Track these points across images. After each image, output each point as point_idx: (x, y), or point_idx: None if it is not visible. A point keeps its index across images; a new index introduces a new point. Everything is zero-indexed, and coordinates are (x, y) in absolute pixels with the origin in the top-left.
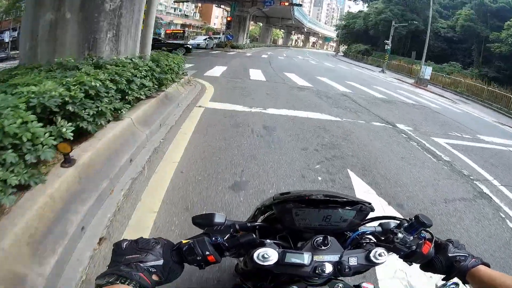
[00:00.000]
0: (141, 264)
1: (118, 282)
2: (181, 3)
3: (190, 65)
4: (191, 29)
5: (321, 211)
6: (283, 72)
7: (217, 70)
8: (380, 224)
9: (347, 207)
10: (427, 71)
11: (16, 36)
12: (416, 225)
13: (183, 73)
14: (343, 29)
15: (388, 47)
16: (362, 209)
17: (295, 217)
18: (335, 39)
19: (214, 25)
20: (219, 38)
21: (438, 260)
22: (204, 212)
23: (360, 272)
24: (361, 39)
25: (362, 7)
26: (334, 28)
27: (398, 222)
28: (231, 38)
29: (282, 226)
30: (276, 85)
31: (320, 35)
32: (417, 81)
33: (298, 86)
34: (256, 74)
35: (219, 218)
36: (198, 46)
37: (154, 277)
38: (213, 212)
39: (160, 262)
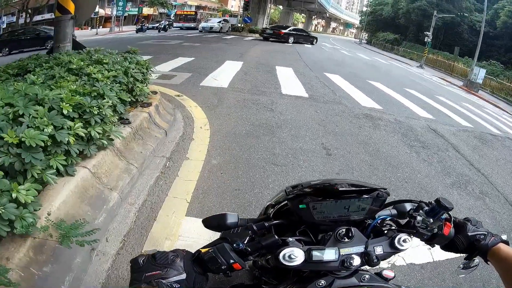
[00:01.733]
0: (163, 281)
1: None
2: None
3: (189, 59)
4: (206, 11)
5: (339, 202)
6: (323, 72)
7: (226, 71)
8: (395, 208)
9: (365, 196)
10: (480, 73)
11: (15, 21)
12: (438, 209)
13: (141, 101)
14: (368, 16)
15: (429, 40)
16: (379, 195)
17: (312, 210)
18: (356, 26)
19: (231, 7)
20: (228, 21)
21: (459, 240)
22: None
23: (385, 259)
24: (389, 27)
25: None
26: (356, 14)
27: (416, 205)
28: (249, 21)
29: (300, 221)
30: (329, 109)
31: (341, 21)
32: (467, 84)
33: (366, 113)
34: (288, 80)
35: (231, 219)
36: (211, 30)
37: None
38: (224, 213)
39: (183, 276)
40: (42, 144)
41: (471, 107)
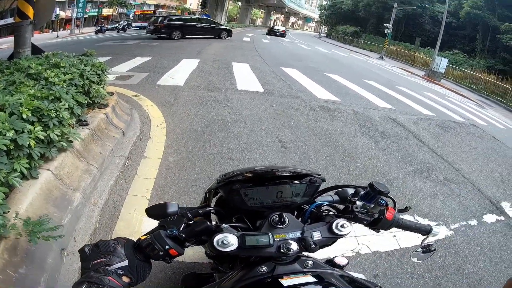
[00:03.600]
0: (108, 268)
1: None
2: None
3: (146, 59)
4: (165, 10)
5: (270, 188)
6: (280, 67)
7: (183, 69)
8: (336, 193)
9: (296, 181)
10: (442, 63)
11: None
12: (372, 193)
13: (98, 103)
14: (328, 9)
15: (389, 31)
16: (312, 181)
17: (244, 197)
18: (316, 20)
19: (190, 5)
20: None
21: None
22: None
23: (327, 245)
24: (348, 20)
25: None
26: (316, 8)
27: (354, 190)
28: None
29: (234, 208)
30: (285, 103)
31: (300, 15)
32: (429, 74)
33: (322, 105)
34: (244, 76)
35: (171, 207)
36: None
37: (125, 279)
38: (165, 202)
39: (125, 263)
40: (5, 148)
41: (433, 96)
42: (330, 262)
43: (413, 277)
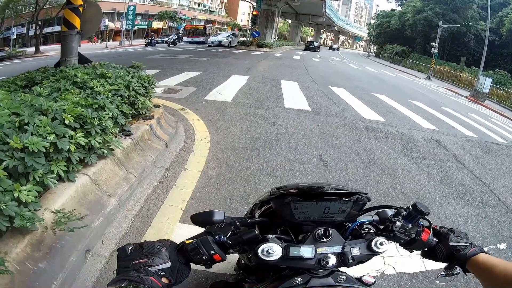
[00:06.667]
0: (150, 268)
1: (130, 286)
2: None
3: (195, 73)
4: (215, 25)
5: (320, 204)
6: (328, 86)
7: (232, 85)
8: (377, 213)
9: (345, 199)
10: (486, 83)
11: (25, 32)
12: (414, 213)
13: (143, 114)
14: (376, 28)
15: (435, 51)
16: (359, 199)
17: (293, 210)
18: (365, 39)
19: (240, 21)
20: (237, 35)
21: (439, 249)
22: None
23: (362, 261)
24: (396, 39)
25: (394, 5)
26: (365, 27)
27: (395, 210)
28: (257, 35)
29: (282, 220)
30: (330, 122)
31: (350, 34)
32: (473, 94)
33: (367, 125)
34: (292, 94)
35: (218, 216)
36: (219, 44)
37: (164, 280)
38: (212, 210)
39: (168, 265)
40: (44, 150)
41: (477, 117)
42: (359, 280)
43: None
